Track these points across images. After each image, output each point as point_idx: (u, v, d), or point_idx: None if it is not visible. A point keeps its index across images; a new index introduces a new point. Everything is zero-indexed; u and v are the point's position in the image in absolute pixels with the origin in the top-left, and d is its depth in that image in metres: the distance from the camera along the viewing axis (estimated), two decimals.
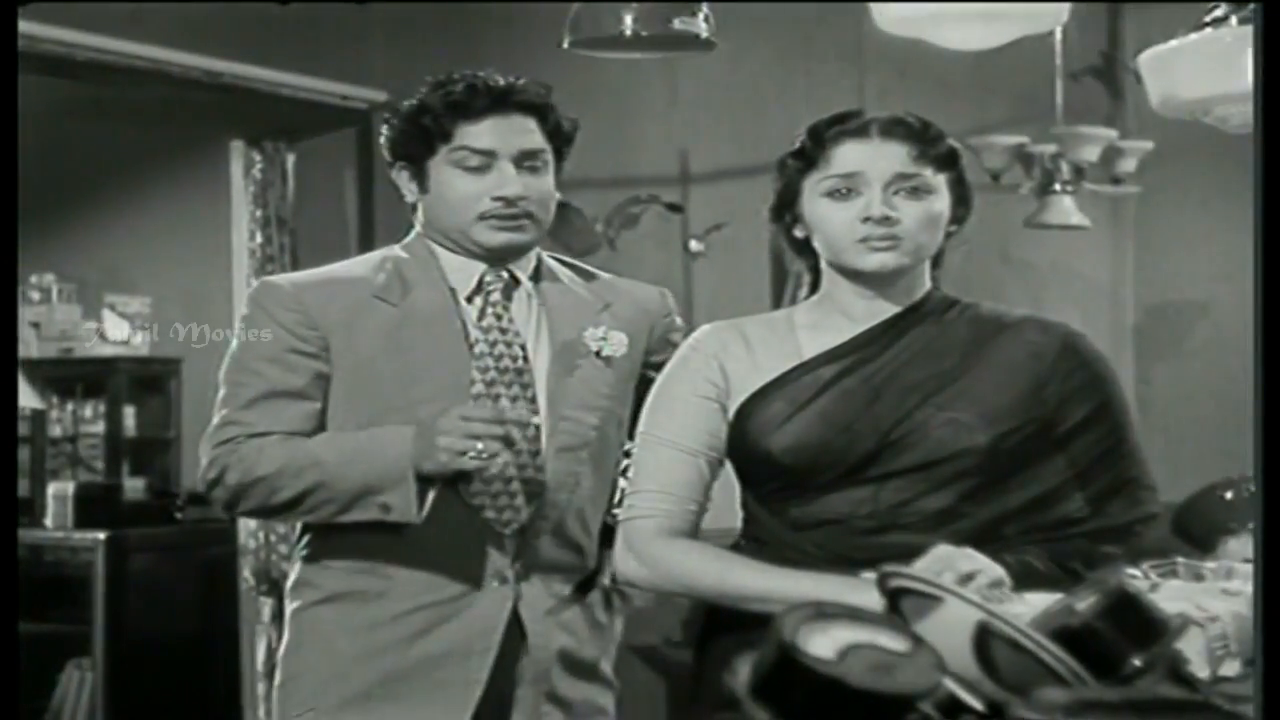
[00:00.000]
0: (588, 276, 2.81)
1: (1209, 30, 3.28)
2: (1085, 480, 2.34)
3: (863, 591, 1.97)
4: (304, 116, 5.11)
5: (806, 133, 2.37)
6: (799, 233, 2.40)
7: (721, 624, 2.37)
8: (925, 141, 2.33)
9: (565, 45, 3.55)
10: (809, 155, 2.35)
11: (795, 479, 2.32)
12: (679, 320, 2.82)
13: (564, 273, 2.79)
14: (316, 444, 2.61)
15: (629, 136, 5.59)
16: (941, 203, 2.34)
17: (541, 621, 2.66)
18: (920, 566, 2.12)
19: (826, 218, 2.33)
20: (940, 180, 2.34)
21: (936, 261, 2.42)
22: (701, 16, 3.44)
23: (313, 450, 2.60)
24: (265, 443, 2.61)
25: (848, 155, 2.32)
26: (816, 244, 2.38)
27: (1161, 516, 2.39)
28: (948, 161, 2.35)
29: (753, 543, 2.38)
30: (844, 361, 2.36)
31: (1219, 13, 3.27)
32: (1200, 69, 3.28)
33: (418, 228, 2.76)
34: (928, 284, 2.41)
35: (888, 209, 2.29)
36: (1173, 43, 3.35)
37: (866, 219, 2.30)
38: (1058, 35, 5.83)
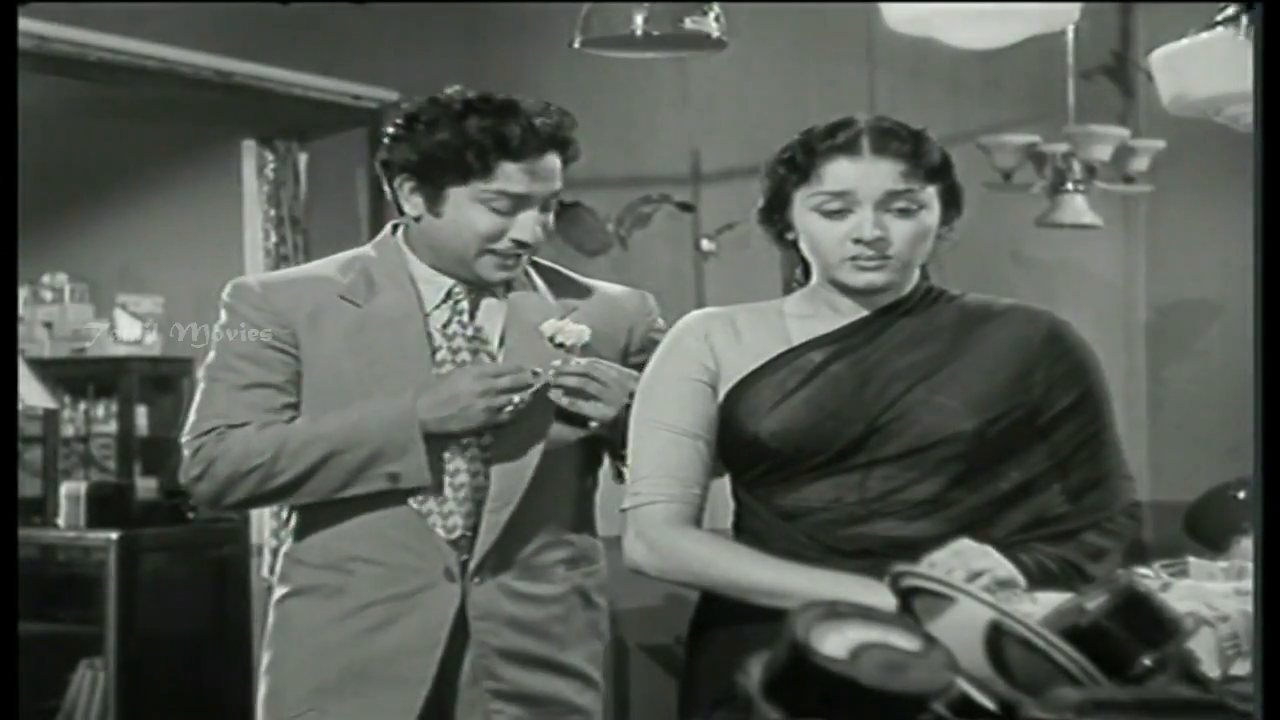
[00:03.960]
0: (564, 282, 2.80)
1: (1220, 29, 3.28)
2: (1066, 469, 2.35)
3: (875, 590, 1.98)
4: (316, 116, 5.11)
5: (798, 143, 2.35)
6: (789, 235, 2.40)
7: (715, 619, 2.38)
8: (916, 155, 2.31)
9: (576, 45, 3.56)
10: (800, 167, 2.33)
11: (782, 464, 2.32)
12: (661, 321, 2.79)
13: (538, 279, 2.77)
14: (309, 424, 2.64)
15: (640, 136, 5.59)
16: (932, 216, 2.34)
17: (486, 619, 2.66)
18: (936, 559, 2.13)
19: (816, 233, 2.33)
20: (930, 193, 2.33)
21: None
22: (712, 16, 3.44)
23: (309, 429, 2.63)
24: (247, 432, 2.64)
25: (839, 173, 2.30)
26: (806, 253, 2.39)
27: (1143, 506, 2.41)
28: (939, 172, 2.34)
29: (746, 535, 2.37)
30: (832, 347, 2.36)
31: (1230, 12, 3.26)
32: (1211, 68, 3.28)
33: (397, 233, 2.75)
34: (916, 278, 2.41)
35: (879, 230, 2.29)
36: (1184, 41, 3.35)
37: (857, 240, 2.29)
38: (1069, 34, 5.82)
